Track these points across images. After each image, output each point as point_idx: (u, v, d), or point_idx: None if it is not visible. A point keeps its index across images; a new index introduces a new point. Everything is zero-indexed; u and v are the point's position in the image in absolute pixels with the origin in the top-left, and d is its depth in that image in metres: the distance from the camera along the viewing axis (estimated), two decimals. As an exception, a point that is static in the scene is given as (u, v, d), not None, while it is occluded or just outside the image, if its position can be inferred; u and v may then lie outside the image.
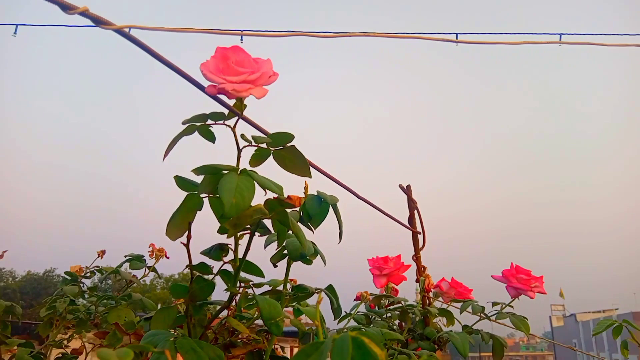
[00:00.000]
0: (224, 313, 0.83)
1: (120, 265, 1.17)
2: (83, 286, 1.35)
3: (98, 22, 0.49)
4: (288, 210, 0.71)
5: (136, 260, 1.13)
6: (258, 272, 0.77)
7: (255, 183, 0.62)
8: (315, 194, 0.85)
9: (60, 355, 1.15)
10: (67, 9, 0.46)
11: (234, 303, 0.84)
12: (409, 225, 1.38)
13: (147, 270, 1.17)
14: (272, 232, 0.75)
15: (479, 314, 1.25)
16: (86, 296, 1.38)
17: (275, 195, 0.63)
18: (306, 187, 0.84)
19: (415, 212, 1.39)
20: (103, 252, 1.46)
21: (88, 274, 1.40)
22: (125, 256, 1.14)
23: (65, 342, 1.18)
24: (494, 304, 1.29)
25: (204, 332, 0.78)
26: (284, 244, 0.85)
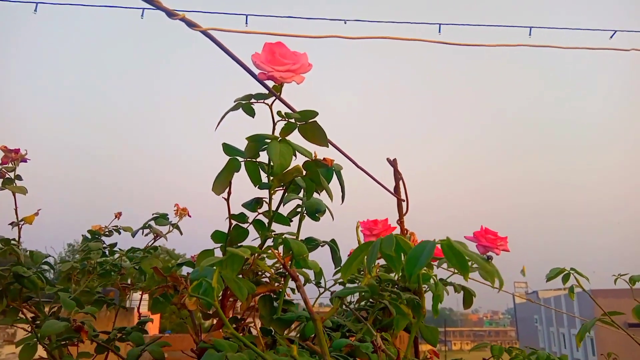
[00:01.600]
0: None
1: (148, 222, 1.33)
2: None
3: (191, 25, 0.66)
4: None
5: (162, 218, 1.30)
6: (286, 222, 0.96)
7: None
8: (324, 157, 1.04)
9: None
10: (171, 15, 0.62)
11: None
12: (394, 193, 1.58)
13: (171, 227, 1.34)
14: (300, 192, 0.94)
15: (451, 269, 1.46)
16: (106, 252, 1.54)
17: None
18: (315, 155, 1.03)
19: (401, 182, 1.60)
20: (120, 213, 1.62)
21: (107, 233, 1.56)
22: (153, 214, 1.31)
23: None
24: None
25: (240, 271, 0.97)
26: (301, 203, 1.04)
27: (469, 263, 0.47)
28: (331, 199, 0.87)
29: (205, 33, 0.68)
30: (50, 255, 1.34)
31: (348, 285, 1.14)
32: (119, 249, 1.48)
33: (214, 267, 0.86)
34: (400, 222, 1.57)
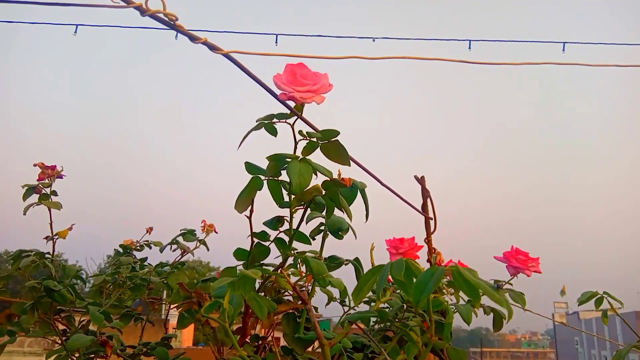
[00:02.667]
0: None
1: (176, 237, 1.36)
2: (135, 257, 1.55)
3: (212, 48, 0.67)
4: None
5: (189, 234, 1.32)
6: (307, 241, 0.96)
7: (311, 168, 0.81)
8: (343, 177, 1.04)
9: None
10: (193, 39, 0.64)
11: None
12: (422, 211, 1.56)
13: (198, 243, 1.36)
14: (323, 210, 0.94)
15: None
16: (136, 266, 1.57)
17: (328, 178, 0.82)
18: (339, 174, 1.03)
19: (428, 200, 1.58)
20: (151, 228, 1.66)
21: (138, 247, 1.59)
22: (181, 230, 1.33)
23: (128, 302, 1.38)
24: (496, 281, 1.48)
25: (262, 288, 0.97)
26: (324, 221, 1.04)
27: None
28: (350, 219, 0.86)
29: (227, 56, 0.70)
30: (82, 269, 1.38)
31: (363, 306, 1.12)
32: (149, 264, 1.51)
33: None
34: (428, 240, 1.55)
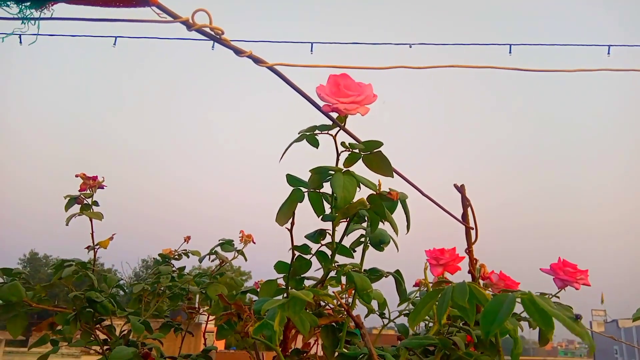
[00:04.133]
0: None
1: (214, 247, 1.36)
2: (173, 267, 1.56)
3: (257, 61, 0.66)
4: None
5: (227, 244, 1.32)
6: (349, 254, 0.94)
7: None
8: (387, 190, 1.01)
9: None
10: (239, 53, 0.63)
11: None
12: (462, 221, 1.52)
13: (236, 253, 1.35)
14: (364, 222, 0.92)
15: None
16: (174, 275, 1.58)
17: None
18: (379, 184, 1.00)
19: (469, 209, 1.53)
20: (189, 237, 1.67)
21: (177, 256, 1.60)
22: (219, 240, 1.33)
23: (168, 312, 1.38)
24: (542, 294, 1.42)
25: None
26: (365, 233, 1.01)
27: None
28: (397, 233, 0.84)
29: (271, 69, 0.69)
30: (122, 279, 1.40)
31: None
32: (187, 274, 1.52)
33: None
34: (469, 251, 1.51)
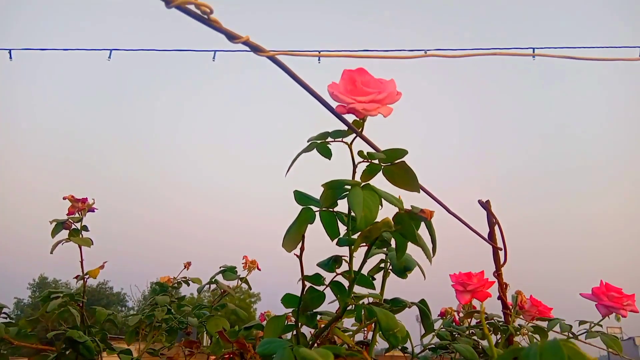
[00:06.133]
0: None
1: (215, 276, 1.22)
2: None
3: (255, 49, 0.54)
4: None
5: (229, 272, 1.18)
6: (370, 285, 0.80)
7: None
8: (410, 208, 0.87)
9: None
10: (232, 38, 0.51)
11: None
12: (490, 241, 1.38)
13: (239, 282, 1.21)
14: (390, 245, 0.78)
15: (566, 333, 1.22)
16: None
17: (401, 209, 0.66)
18: (400, 201, 0.87)
19: (496, 227, 1.39)
20: (189, 263, 1.53)
21: (176, 285, 1.46)
22: (220, 267, 1.19)
23: (164, 350, 1.24)
24: (581, 322, 1.26)
25: (315, 341, 0.81)
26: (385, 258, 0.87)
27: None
28: (430, 259, 0.70)
29: (272, 59, 0.56)
30: (112, 313, 1.26)
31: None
32: (186, 305, 1.38)
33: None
34: (498, 274, 1.36)
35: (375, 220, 0.63)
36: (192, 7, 0.46)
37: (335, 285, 0.79)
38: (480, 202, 1.43)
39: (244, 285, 1.32)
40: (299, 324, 0.81)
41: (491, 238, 1.39)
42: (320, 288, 0.79)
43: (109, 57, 3.20)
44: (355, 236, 0.72)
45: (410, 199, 0.85)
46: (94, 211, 1.34)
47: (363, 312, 0.85)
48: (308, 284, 0.80)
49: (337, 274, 0.77)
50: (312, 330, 0.93)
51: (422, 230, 0.87)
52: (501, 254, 1.38)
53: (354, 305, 0.77)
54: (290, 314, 0.87)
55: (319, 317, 0.85)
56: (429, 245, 0.91)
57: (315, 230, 0.80)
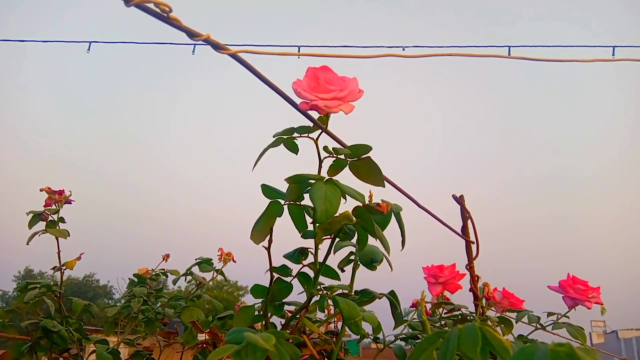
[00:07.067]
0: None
1: (190, 268, 1.24)
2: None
3: (217, 47, 0.55)
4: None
5: (205, 263, 1.20)
6: (335, 276, 0.82)
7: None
8: (380, 202, 0.90)
9: (134, 352, 1.22)
10: (193, 36, 0.52)
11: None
12: (462, 235, 1.41)
13: (215, 273, 1.23)
14: (353, 238, 0.80)
15: (534, 324, 1.26)
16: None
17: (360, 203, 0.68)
18: (371, 196, 0.89)
19: (469, 221, 1.42)
20: (167, 255, 1.54)
21: (154, 276, 1.48)
22: (196, 259, 1.21)
23: (139, 340, 1.26)
24: (549, 314, 1.30)
25: (285, 330, 0.83)
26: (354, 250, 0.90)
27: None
28: (388, 252, 0.72)
29: (234, 56, 0.58)
30: (90, 303, 1.27)
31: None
32: (163, 295, 1.39)
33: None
34: (470, 267, 1.39)
35: (337, 213, 0.65)
36: (151, 6, 0.47)
37: (301, 276, 0.81)
38: (454, 196, 1.46)
39: (232, 279, 1.34)
40: (268, 313, 0.83)
41: (464, 232, 1.42)
42: (288, 279, 0.82)
43: (88, 49, 3.19)
44: (319, 229, 0.74)
45: (392, 199, 0.88)
46: (70, 203, 1.35)
47: (328, 302, 0.88)
48: (276, 276, 0.82)
49: (304, 266, 0.80)
50: (283, 321, 0.96)
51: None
52: (474, 247, 1.42)
53: (319, 296, 0.79)
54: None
55: (287, 307, 0.87)
56: (399, 238, 0.94)
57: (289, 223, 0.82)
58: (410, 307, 1.42)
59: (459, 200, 1.46)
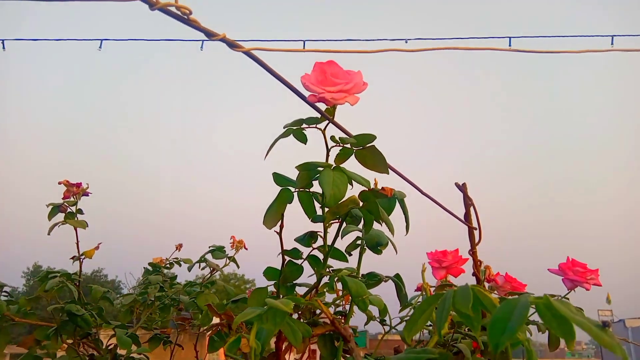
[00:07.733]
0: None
1: (204, 255, 1.29)
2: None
3: (232, 45, 0.60)
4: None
5: (218, 251, 1.25)
6: (343, 258, 0.87)
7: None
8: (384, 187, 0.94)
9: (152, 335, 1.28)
10: (210, 35, 0.57)
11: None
12: (465, 221, 1.45)
13: (228, 260, 1.28)
14: (359, 224, 0.85)
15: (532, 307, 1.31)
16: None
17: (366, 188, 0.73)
18: (376, 183, 0.94)
19: (472, 208, 1.46)
20: (180, 245, 1.60)
21: (168, 265, 1.54)
22: (209, 247, 1.26)
23: (157, 324, 1.31)
24: (550, 296, 1.35)
25: (297, 310, 0.88)
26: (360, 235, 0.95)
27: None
28: (392, 233, 0.77)
29: (248, 54, 0.63)
30: (108, 290, 1.33)
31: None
32: (178, 283, 1.45)
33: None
34: (473, 252, 1.44)
35: (344, 198, 0.70)
36: (173, 9, 0.52)
37: (311, 259, 0.86)
38: (457, 184, 1.51)
39: (239, 272, 1.39)
40: (280, 294, 0.88)
41: (467, 219, 1.47)
42: (299, 262, 0.87)
43: (100, 47, 3.24)
44: (328, 213, 0.79)
45: (397, 186, 0.92)
46: (88, 195, 1.40)
47: (337, 286, 0.93)
48: (287, 258, 0.87)
49: (314, 249, 0.85)
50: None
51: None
52: (476, 233, 1.46)
53: (328, 277, 0.84)
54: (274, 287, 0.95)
55: (298, 288, 0.92)
56: (404, 224, 0.99)
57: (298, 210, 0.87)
58: (415, 290, 1.48)
59: (462, 188, 1.50)
